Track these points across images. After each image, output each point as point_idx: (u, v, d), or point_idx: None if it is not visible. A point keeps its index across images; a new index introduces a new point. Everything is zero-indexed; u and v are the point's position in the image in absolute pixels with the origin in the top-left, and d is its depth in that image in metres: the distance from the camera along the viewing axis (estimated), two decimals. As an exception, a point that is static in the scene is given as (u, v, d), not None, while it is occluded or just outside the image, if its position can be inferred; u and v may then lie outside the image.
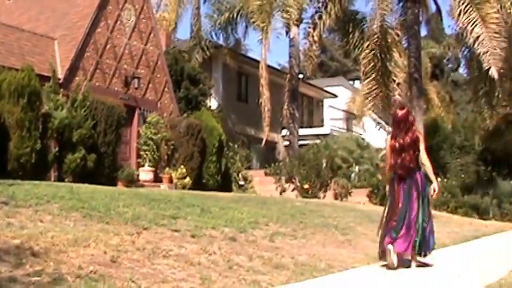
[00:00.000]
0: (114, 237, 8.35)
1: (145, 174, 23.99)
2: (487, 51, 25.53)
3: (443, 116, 44.52)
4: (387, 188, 10.40)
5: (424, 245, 9.71)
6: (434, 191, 10.15)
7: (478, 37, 25.75)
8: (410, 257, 9.78)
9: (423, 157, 9.95)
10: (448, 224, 18.60)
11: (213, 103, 36.97)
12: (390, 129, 38.81)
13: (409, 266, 9.68)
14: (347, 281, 8.66)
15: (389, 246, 9.39)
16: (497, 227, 22.10)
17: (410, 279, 8.85)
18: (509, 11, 28.14)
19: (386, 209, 10.03)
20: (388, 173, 10.26)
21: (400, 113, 9.97)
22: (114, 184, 19.76)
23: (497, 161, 35.07)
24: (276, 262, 9.12)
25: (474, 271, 9.78)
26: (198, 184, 23.44)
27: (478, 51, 25.90)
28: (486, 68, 25.69)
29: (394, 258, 9.34)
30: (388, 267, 9.38)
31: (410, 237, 9.52)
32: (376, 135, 45.14)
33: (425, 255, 9.82)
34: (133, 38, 26.71)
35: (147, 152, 24.59)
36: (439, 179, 26.28)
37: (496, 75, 25.72)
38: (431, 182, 10.20)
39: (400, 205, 9.69)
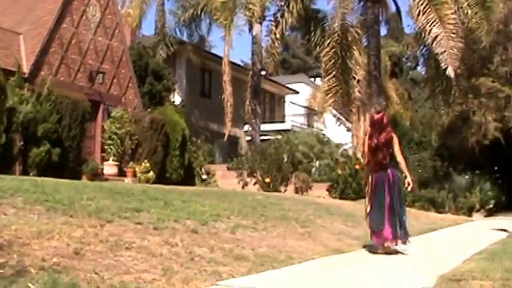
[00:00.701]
0: (77, 230, 8.26)
1: (109, 168, 23.84)
2: (445, 51, 25.79)
3: (401, 112, 44.75)
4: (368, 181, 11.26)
5: (405, 232, 10.86)
6: (408, 184, 11.60)
7: (436, 37, 26.00)
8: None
9: (398, 155, 11.04)
10: (405, 218, 18.72)
11: (176, 98, 36.90)
12: (350, 125, 39.39)
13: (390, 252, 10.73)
14: (306, 271, 8.70)
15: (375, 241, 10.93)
16: (452, 220, 22.46)
17: (365, 269, 8.93)
18: (466, 12, 28.43)
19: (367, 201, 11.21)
20: (366, 169, 11.57)
21: (377, 116, 11.22)
22: (79, 178, 19.54)
23: (453, 157, 35.48)
24: (237, 254, 9.13)
25: (429, 261, 9.93)
26: (161, 178, 23.33)
27: (436, 50, 26.16)
28: (443, 67, 25.99)
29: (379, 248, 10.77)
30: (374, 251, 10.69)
31: (391, 226, 10.69)
32: (336, 131, 45.36)
33: (404, 242, 10.88)
34: (98, 33, 26.57)
35: (111, 147, 24.39)
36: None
37: (452, 74, 26.06)
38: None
39: (375, 198, 10.95)
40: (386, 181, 10.82)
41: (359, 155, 29.14)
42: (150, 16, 42.66)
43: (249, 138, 37.21)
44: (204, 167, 27.73)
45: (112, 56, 27.08)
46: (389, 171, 10.89)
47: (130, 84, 27.88)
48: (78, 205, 9.90)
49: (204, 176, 27.08)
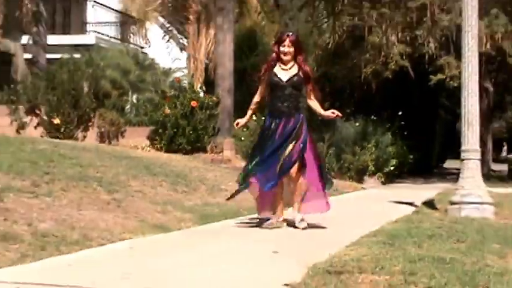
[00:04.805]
0: None
1: None
2: None
3: (264, 25, 45.08)
4: None
5: None
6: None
7: None
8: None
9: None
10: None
11: None
12: (185, 41, 39.69)
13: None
14: (106, 258, 8.72)
15: None
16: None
17: (200, 257, 8.92)
18: None
19: None
20: None
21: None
22: None
23: (338, 94, 36.02)
24: (4, 231, 9.07)
25: (298, 245, 10.30)
26: None
27: None
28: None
29: None
30: None
31: None
32: (164, 49, 45.26)
33: None
34: None
35: None
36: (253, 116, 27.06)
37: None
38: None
39: None
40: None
41: (197, 86, 29.38)
42: None
43: (29, 56, 36.49)
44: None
45: None
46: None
47: None
48: None
49: (-46, 113, 26.52)
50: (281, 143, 12.32)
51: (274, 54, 12.90)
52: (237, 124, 13.51)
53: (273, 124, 12.49)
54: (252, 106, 13.12)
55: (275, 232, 11.75)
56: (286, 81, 12.53)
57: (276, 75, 12.59)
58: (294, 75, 12.62)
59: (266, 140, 12.57)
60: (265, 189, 12.34)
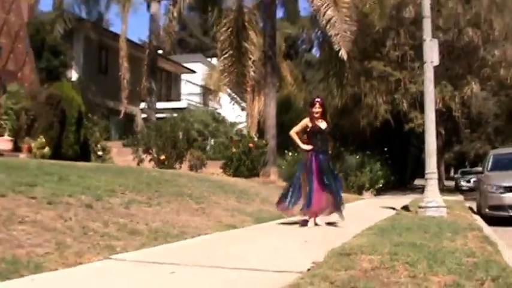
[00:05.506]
0: (-31, 204, 8.33)
1: (4, 143, 23.04)
2: (338, 34, 25.88)
3: (296, 93, 45.29)
4: None
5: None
6: None
7: (330, 19, 26.04)
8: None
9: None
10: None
11: (73, 75, 36.34)
12: (245, 104, 39.34)
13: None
14: (197, 246, 8.73)
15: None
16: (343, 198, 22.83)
17: (257, 245, 8.95)
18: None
19: None
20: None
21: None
22: (-29, 153, 19.06)
23: (345, 138, 36.26)
24: (131, 228, 9.11)
25: (321, 237, 10.09)
26: (57, 154, 22.75)
27: (330, 33, 26.18)
28: (337, 49, 26.07)
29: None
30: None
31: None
32: (231, 110, 45.48)
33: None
34: (-6, 7, 25.68)
35: (7, 122, 23.63)
36: (289, 153, 27.29)
37: (345, 57, 26.16)
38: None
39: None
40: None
41: (253, 134, 29.44)
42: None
43: (145, 116, 36.93)
44: (100, 143, 27.26)
45: (9, 30, 26.18)
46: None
47: (26, 60, 27.04)
48: (-31, 179, 9.88)
49: (100, 153, 26.60)
50: (325, 174, 12.10)
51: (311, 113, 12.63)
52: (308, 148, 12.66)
53: (318, 158, 12.18)
54: (299, 138, 12.72)
55: (306, 229, 11.60)
56: (324, 129, 12.44)
57: (317, 125, 12.41)
58: (327, 126, 12.54)
59: (319, 168, 12.15)
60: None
